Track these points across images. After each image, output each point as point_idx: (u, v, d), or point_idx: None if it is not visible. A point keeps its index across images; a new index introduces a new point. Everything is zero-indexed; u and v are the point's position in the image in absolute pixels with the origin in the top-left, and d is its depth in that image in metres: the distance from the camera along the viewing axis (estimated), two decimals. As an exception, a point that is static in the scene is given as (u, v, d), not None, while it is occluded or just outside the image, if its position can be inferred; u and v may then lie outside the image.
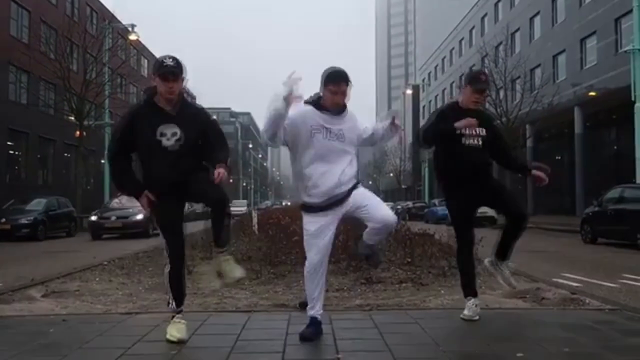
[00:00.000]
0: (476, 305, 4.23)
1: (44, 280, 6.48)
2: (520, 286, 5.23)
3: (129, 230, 17.48)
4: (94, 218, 18.23)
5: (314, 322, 3.72)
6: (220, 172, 3.50)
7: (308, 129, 3.68)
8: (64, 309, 5.00)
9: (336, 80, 3.67)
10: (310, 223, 3.74)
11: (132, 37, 29.23)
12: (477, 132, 4.23)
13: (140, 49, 39.60)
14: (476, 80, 4.29)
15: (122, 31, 29.79)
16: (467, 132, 4.20)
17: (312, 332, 3.68)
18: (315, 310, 3.74)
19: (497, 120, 28.40)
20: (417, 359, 3.35)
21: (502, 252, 4.44)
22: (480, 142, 4.25)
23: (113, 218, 17.79)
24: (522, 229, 4.33)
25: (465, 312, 4.21)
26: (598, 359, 3.28)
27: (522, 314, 4.61)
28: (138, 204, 3.85)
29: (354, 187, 3.76)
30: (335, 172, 3.68)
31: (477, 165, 4.23)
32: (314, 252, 3.71)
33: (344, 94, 3.68)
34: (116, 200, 19.23)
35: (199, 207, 4.03)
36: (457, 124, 4.11)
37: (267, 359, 3.33)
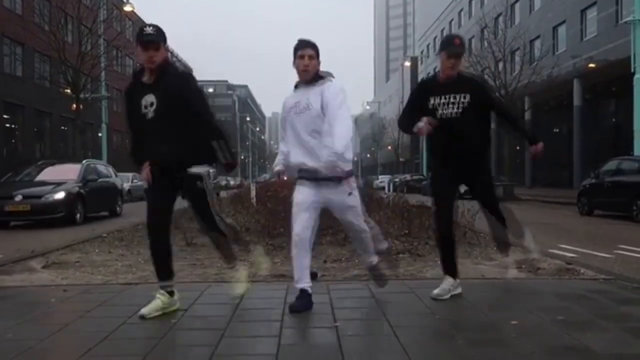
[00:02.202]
0: (450, 288, 4.05)
1: (44, 252, 6.53)
2: (516, 256, 5.28)
3: (41, 216, 11.93)
4: None
5: (304, 295, 3.71)
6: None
7: (285, 113, 3.84)
8: (65, 280, 5.05)
9: (300, 46, 3.78)
10: (297, 194, 3.79)
11: (127, 8, 28.83)
12: (457, 99, 4.01)
13: (136, 21, 39.02)
14: (450, 44, 4.05)
15: (117, 2, 29.36)
16: (442, 101, 4.03)
17: (302, 305, 3.67)
18: (303, 282, 3.72)
19: (496, 92, 28.15)
20: (413, 327, 3.40)
21: (500, 244, 4.65)
22: (460, 110, 4.00)
23: (18, 198, 11.91)
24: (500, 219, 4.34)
25: (436, 290, 4.02)
26: (592, 326, 3.33)
27: (518, 283, 4.67)
28: (59, 177, 3.85)
29: (348, 175, 3.70)
30: (305, 146, 3.68)
31: (453, 136, 4.00)
32: (297, 223, 3.73)
33: (310, 57, 3.73)
34: (30, 170, 13.66)
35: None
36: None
37: (266, 327, 3.38)
